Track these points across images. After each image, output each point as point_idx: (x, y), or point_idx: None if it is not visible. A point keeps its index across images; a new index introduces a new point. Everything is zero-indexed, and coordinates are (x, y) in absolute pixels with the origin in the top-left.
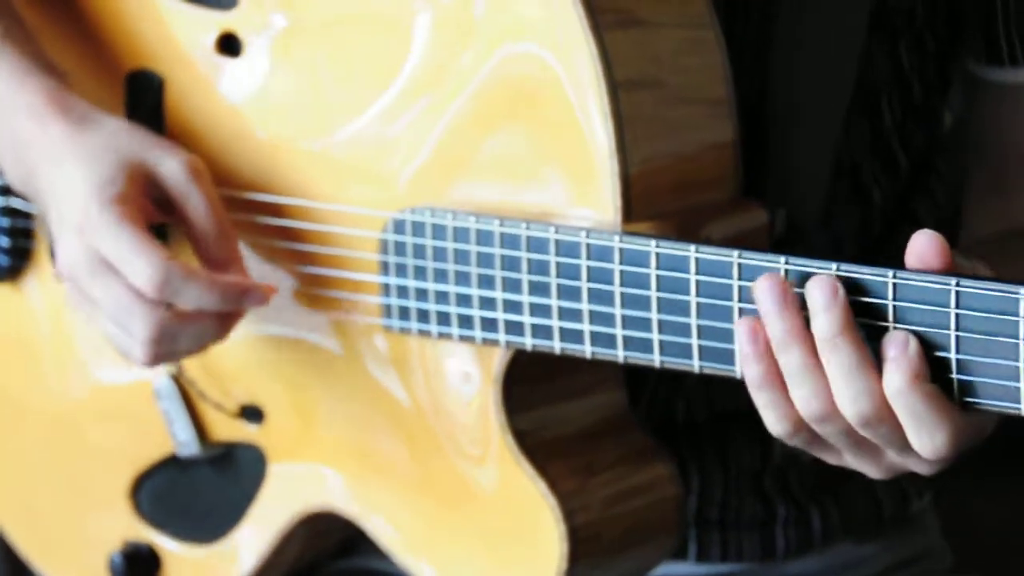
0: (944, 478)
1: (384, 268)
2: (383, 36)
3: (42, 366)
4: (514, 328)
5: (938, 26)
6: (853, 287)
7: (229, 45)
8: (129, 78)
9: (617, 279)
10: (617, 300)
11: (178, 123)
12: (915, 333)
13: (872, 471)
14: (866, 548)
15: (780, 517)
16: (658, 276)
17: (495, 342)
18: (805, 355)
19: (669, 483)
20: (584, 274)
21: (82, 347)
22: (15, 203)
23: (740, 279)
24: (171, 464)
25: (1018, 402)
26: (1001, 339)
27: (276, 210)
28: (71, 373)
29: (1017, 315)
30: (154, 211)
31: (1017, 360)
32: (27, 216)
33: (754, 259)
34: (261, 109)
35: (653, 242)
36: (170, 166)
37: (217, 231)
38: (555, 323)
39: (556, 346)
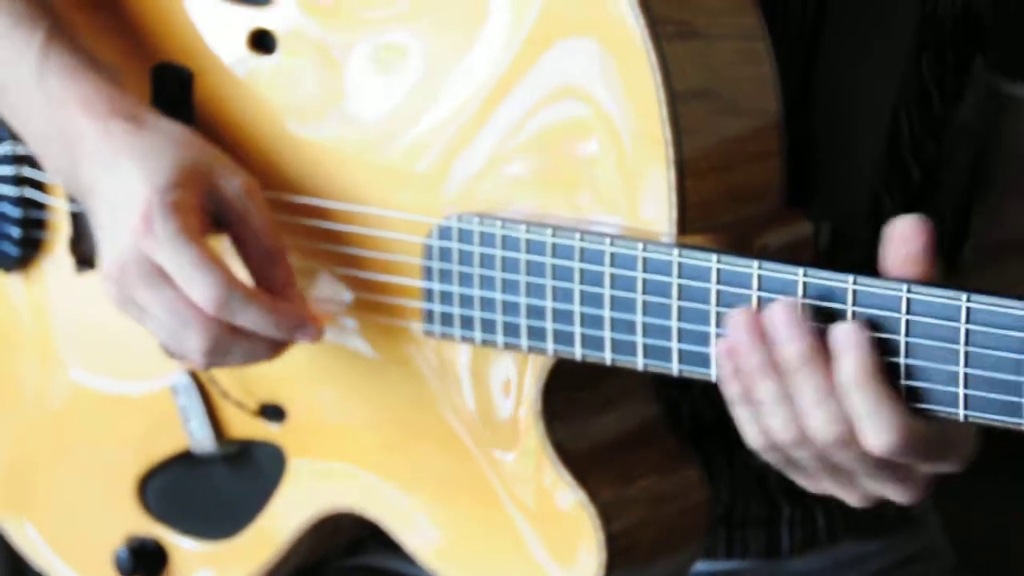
0: (946, 478)
1: (427, 273)
2: (429, 39)
3: (53, 357)
4: (564, 338)
5: (960, 38)
6: (816, 294)
7: (263, 42)
8: (156, 69)
9: (675, 293)
10: (674, 313)
11: (209, 118)
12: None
13: (850, 498)
14: (869, 546)
15: (785, 516)
16: (719, 291)
17: (543, 351)
18: (779, 385)
19: (700, 487)
20: (640, 286)
21: (93, 340)
22: (29, 193)
23: (804, 297)
24: (183, 460)
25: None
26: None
27: (314, 212)
28: (82, 364)
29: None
30: (209, 224)
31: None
32: (41, 207)
33: (818, 278)
34: (297, 109)
35: (714, 257)
36: (234, 183)
37: (274, 254)
38: (607, 334)
39: (607, 357)
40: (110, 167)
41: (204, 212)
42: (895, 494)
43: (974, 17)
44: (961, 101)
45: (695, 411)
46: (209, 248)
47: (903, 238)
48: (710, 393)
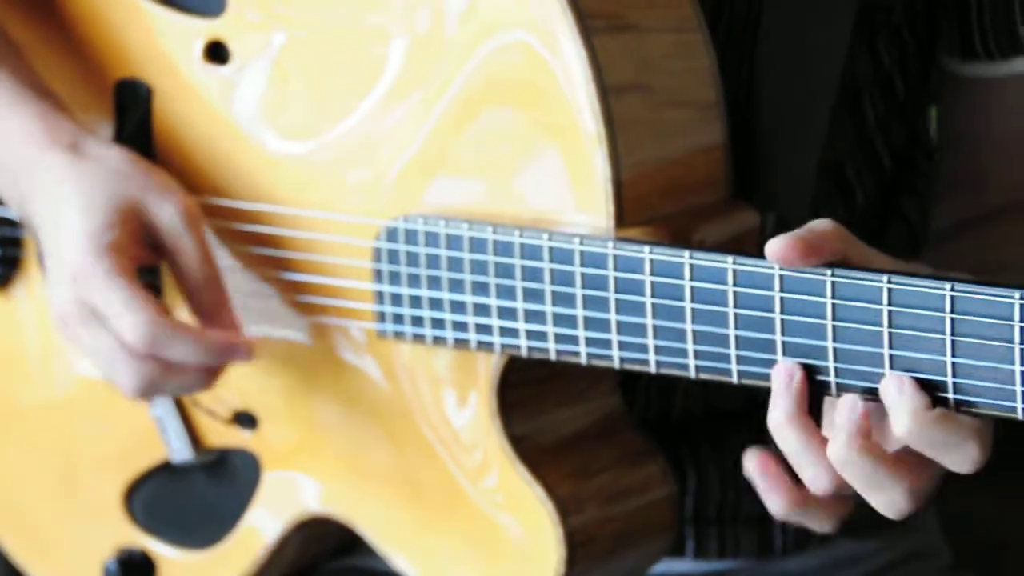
0: (942, 477)
1: (377, 276)
2: (369, 40)
3: (31, 375)
4: (509, 333)
5: (917, 21)
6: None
7: (217, 53)
8: (117, 87)
9: (612, 286)
10: (612, 306)
11: (166, 131)
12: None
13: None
14: (864, 545)
15: None
16: (652, 282)
17: (490, 347)
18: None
19: (663, 483)
20: (578, 281)
21: (72, 356)
22: (3, 212)
23: (735, 285)
24: (164, 470)
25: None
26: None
27: (267, 219)
28: (61, 382)
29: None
30: (146, 254)
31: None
32: (15, 225)
33: (748, 265)
34: (250, 117)
35: (647, 248)
36: (165, 212)
37: (207, 280)
38: (550, 329)
39: (551, 350)
40: (51, 203)
41: (139, 246)
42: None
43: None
44: (927, 85)
45: (686, 405)
46: (140, 286)
47: (781, 259)
48: (701, 387)
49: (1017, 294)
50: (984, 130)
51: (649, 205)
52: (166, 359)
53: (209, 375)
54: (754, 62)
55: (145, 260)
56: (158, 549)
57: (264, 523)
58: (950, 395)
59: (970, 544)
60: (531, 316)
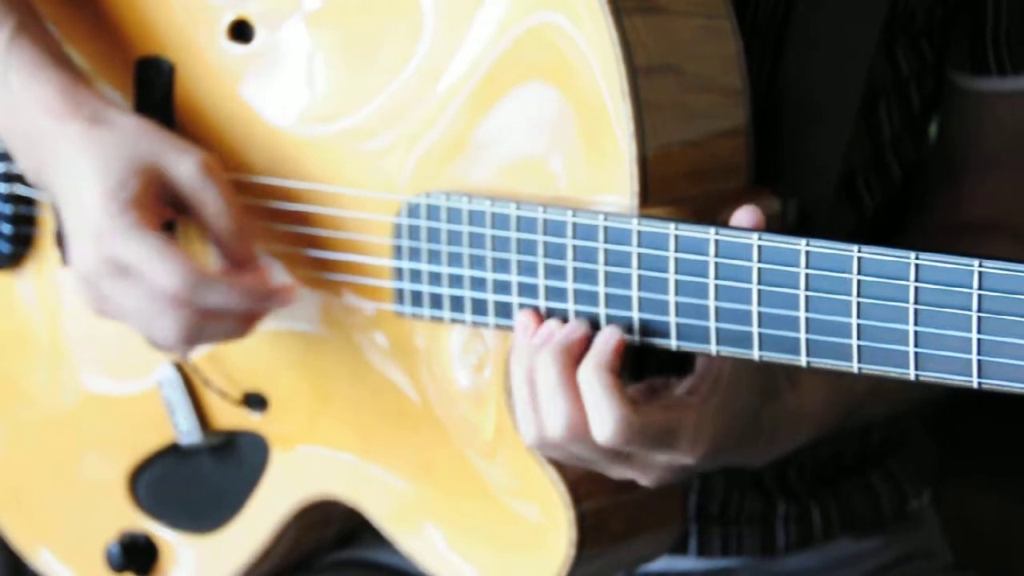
0: (943, 476)
1: (397, 252)
2: (395, 18)
3: (41, 354)
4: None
5: (935, 34)
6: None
7: (241, 31)
8: (139, 64)
9: (635, 262)
10: (634, 283)
11: (189, 109)
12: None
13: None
14: (865, 544)
15: (780, 513)
16: (677, 259)
17: (509, 327)
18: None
19: None
20: (601, 257)
21: (82, 336)
22: (19, 190)
23: (760, 262)
24: (171, 453)
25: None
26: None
27: (287, 195)
28: (70, 361)
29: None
30: (167, 211)
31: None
32: (30, 203)
33: (773, 241)
34: (272, 94)
35: (672, 225)
36: (184, 167)
37: (236, 230)
38: (571, 307)
39: None
40: (68, 170)
41: (160, 202)
42: (640, 479)
43: (947, 11)
44: (938, 99)
45: None
46: (167, 237)
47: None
48: None
49: None
50: (988, 145)
51: (673, 186)
52: (204, 306)
53: (247, 321)
54: (780, 54)
55: (166, 216)
56: (161, 533)
57: (270, 507)
58: (973, 377)
59: (971, 544)
60: (552, 293)
